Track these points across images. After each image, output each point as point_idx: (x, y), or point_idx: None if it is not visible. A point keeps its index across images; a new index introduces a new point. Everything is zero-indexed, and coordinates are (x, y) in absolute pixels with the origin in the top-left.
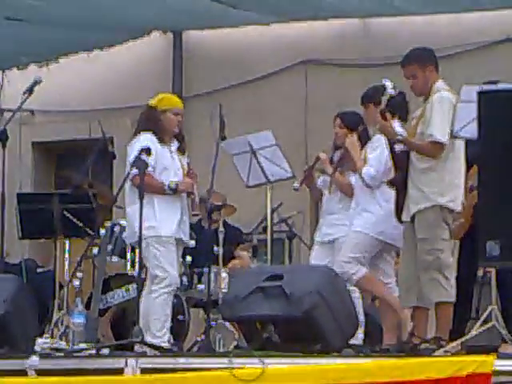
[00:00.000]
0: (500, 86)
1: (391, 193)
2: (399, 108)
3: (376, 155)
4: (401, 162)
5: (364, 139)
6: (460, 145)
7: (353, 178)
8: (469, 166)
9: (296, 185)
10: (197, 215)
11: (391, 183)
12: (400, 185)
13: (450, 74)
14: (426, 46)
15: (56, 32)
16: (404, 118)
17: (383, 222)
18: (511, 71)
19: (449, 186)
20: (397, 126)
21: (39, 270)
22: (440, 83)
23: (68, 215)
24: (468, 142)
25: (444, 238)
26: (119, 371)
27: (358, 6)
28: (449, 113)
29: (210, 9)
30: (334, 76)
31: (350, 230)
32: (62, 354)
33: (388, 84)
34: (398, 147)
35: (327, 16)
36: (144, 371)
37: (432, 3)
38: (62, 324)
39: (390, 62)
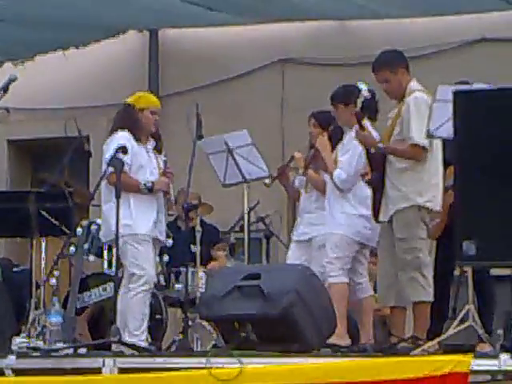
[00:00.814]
0: (475, 86)
1: (363, 192)
2: (368, 108)
3: (347, 158)
4: (377, 161)
5: (336, 138)
6: (438, 145)
7: (327, 176)
8: (445, 166)
9: (267, 181)
10: (172, 215)
11: (368, 183)
12: (377, 185)
13: (425, 74)
14: (394, 48)
15: (31, 31)
16: (373, 118)
17: (357, 222)
18: (486, 71)
19: (427, 185)
20: (372, 131)
21: (15, 269)
22: (414, 84)
23: (44, 214)
24: (445, 142)
25: (422, 238)
26: (97, 371)
27: (333, 8)
28: (426, 114)
29: (186, 10)
30: (310, 75)
31: (327, 233)
32: (39, 354)
33: (363, 87)
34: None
35: (303, 18)
36: (122, 371)
37: (407, 7)
38: (38, 323)
39: (367, 61)
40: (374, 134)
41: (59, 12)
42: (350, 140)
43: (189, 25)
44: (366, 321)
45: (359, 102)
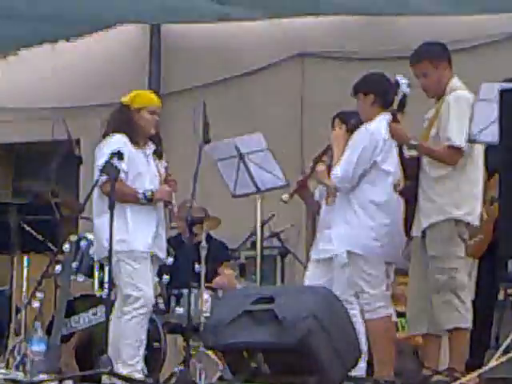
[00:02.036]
0: None
1: (369, 198)
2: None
3: (347, 155)
4: (411, 169)
5: None
6: (479, 150)
7: None
8: (489, 175)
9: (285, 196)
10: (175, 228)
11: (400, 193)
12: (410, 195)
13: (466, 70)
14: (437, 41)
15: (12, 22)
16: (400, 111)
17: (360, 232)
18: None
19: (466, 196)
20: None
21: None
22: (455, 81)
23: (27, 228)
24: (488, 148)
25: (459, 256)
26: None
27: (362, 2)
28: (467, 114)
29: (191, 3)
30: (333, 71)
31: (341, 252)
32: None
33: (403, 81)
34: (408, 152)
35: (326, 13)
36: None
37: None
38: (19, 352)
39: (397, 55)
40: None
41: (44, 2)
42: (357, 134)
43: (194, 20)
44: (376, 348)
45: (397, 98)
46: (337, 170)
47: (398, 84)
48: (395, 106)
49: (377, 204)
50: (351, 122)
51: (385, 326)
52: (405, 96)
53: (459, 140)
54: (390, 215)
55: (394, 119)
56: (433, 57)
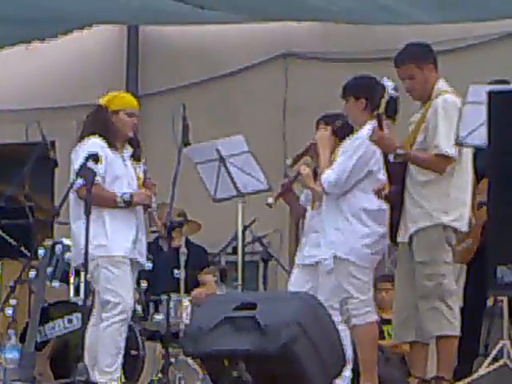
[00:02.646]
0: None
1: (361, 206)
2: (389, 106)
3: (342, 160)
4: (396, 173)
5: (342, 136)
6: (467, 154)
7: None
8: (478, 179)
9: (270, 200)
10: (155, 232)
11: (385, 198)
12: (395, 200)
13: (453, 71)
14: (422, 42)
15: None
16: (393, 118)
17: (352, 239)
18: None
19: (454, 202)
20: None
21: None
22: (441, 84)
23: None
24: (477, 151)
25: (446, 262)
26: None
27: (346, 10)
28: (455, 120)
29: (172, 7)
30: (317, 72)
31: (329, 257)
32: None
33: (389, 84)
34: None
35: (308, 18)
36: None
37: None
38: None
39: (383, 57)
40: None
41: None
42: (355, 140)
43: (175, 23)
44: (363, 355)
45: (383, 101)
46: (329, 175)
47: (383, 87)
48: (381, 109)
49: (368, 211)
50: (336, 123)
51: (373, 331)
52: (392, 99)
53: (448, 148)
54: (382, 223)
55: (379, 123)
56: (418, 58)
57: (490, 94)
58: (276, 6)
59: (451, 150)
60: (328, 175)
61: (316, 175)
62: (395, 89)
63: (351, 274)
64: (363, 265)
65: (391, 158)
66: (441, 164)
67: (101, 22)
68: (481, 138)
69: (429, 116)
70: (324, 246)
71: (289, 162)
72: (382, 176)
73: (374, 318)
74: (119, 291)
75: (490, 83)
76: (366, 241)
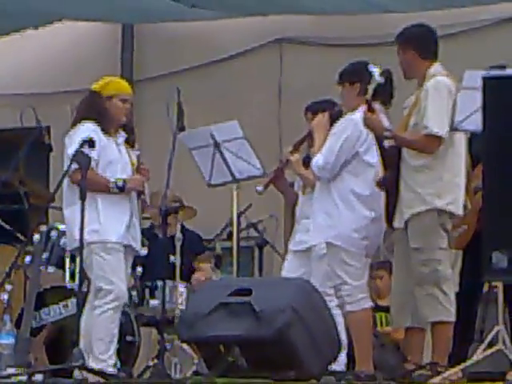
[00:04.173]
0: (510, 71)
1: (349, 188)
2: (383, 91)
3: (329, 143)
4: (391, 158)
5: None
6: (461, 138)
7: None
8: (474, 164)
9: (259, 188)
10: (148, 218)
11: (380, 184)
12: (390, 186)
13: (450, 56)
14: (422, 22)
15: None
16: (388, 103)
17: (339, 224)
18: None
19: (448, 186)
20: (383, 117)
21: None
22: (436, 67)
23: None
24: (473, 136)
25: (442, 247)
26: None
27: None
28: (447, 101)
29: (166, 7)
30: (313, 57)
31: (318, 243)
32: None
33: (375, 71)
34: (388, 142)
35: (302, 13)
36: None
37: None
38: None
39: (378, 42)
40: (386, 123)
41: None
42: (341, 123)
43: (167, 20)
44: (357, 341)
45: (370, 88)
46: (318, 159)
47: (370, 74)
48: (369, 95)
49: (358, 195)
50: (335, 109)
51: (367, 317)
52: (379, 85)
53: (437, 127)
54: (373, 209)
55: (369, 108)
56: (419, 49)
57: (485, 79)
58: (268, 4)
59: (442, 131)
60: (317, 159)
61: (305, 163)
62: (382, 73)
63: (343, 261)
64: (353, 250)
65: (386, 144)
66: (431, 144)
67: (92, 20)
68: (476, 123)
69: (421, 98)
70: (313, 231)
71: (290, 148)
72: (373, 159)
73: (369, 304)
74: (112, 278)
75: (489, 68)
76: (353, 226)
